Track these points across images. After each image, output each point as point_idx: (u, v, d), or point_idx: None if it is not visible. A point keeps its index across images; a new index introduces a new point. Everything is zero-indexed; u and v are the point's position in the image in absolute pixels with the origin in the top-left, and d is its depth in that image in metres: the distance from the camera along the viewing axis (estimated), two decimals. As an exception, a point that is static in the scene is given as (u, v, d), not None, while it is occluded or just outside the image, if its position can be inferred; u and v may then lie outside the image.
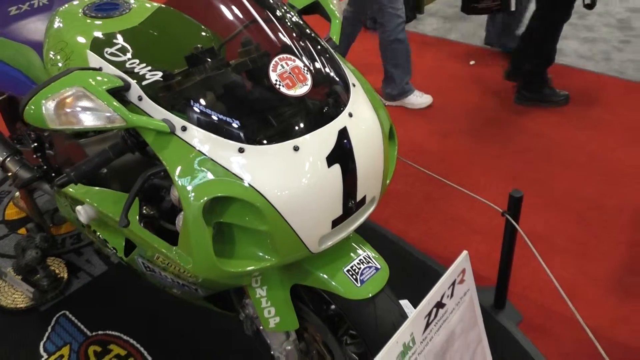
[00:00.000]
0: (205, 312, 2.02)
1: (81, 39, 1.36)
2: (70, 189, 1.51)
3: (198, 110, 1.11)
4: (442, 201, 2.53)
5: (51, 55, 1.43)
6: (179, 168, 1.10)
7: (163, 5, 1.38)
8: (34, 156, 2.04)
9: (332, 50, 1.31)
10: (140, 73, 1.15)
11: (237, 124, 1.10)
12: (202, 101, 1.12)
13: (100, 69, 1.17)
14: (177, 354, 1.93)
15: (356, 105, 1.22)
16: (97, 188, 1.42)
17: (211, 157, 1.09)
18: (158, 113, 1.12)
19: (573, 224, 2.34)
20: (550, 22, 2.91)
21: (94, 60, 1.21)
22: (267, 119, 1.11)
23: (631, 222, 2.35)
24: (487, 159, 2.77)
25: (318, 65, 1.21)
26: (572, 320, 1.97)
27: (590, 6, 2.79)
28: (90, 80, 1.07)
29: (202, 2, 1.31)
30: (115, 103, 1.06)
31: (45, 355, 1.96)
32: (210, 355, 1.92)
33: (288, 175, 1.10)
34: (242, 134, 1.10)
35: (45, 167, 2.03)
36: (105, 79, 1.10)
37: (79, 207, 1.42)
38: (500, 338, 1.89)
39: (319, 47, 1.26)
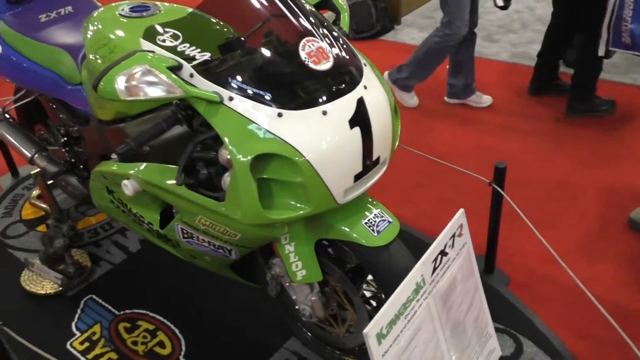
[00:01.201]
0: (226, 286, 2.23)
1: (122, 34, 1.58)
2: (114, 167, 1.71)
3: (242, 83, 1.33)
4: (431, 186, 2.78)
5: (94, 50, 1.64)
6: (228, 131, 1.31)
7: (193, 10, 1.60)
8: (63, 150, 2.22)
9: (344, 37, 1.55)
10: (191, 55, 1.37)
11: (275, 93, 1.33)
12: (245, 76, 1.35)
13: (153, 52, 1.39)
14: (203, 326, 2.11)
15: (369, 80, 1.46)
16: (142, 162, 1.62)
17: (255, 121, 1.31)
18: (207, 87, 1.34)
19: (543, 200, 2.61)
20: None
21: (147, 46, 1.42)
22: (299, 88, 1.34)
23: (594, 197, 2.62)
24: (467, 147, 3.04)
25: (336, 46, 1.44)
26: (553, 278, 2.23)
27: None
28: (152, 59, 1.29)
29: (232, 7, 1.52)
30: (174, 77, 1.27)
31: (78, 333, 2.12)
32: (232, 325, 2.11)
33: (319, 135, 1.32)
34: (279, 102, 1.32)
35: (73, 160, 2.22)
36: (163, 59, 1.31)
37: (125, 181, 1.62)
38: (491, 297, 2.11)
39: (334, 33, 1.50)
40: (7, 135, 2.33)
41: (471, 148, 3.07)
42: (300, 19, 1.44)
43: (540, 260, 2.31)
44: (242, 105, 1.32)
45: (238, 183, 1.33)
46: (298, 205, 1.39)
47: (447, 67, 3.47)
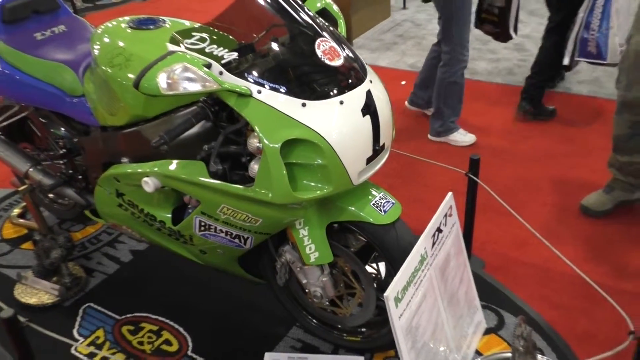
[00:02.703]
0: (224, 285, 2.34)
1: (137, 44, 1.72)
2: (130, 168, 1.82)
3: (268, 78, 1.50)
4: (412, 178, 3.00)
5: (108, 60, 1.76)
6: (259, 121, 1.47)
7: (200, 24, 1.75)
8: (60, 163, 2.29)
9: (346, 40, 1.75)
10: (219, 55, 1.53)
11: (298, 86, 1.51)
12: (271, 71, 1.52)
13: None
14: (206, 323, 2.21)
15: (372, 76, 1.66)
16: (162, 160, 1.73)
17: (282, 110, 1.48)
18: (236, 82, 1.49)
19: (506, 193, 2.89)
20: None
21: (174, 49, 1.56)
22: (320, 81, 1.53)
23: (550, 189, 2.93)
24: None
25: (343, 47, 1.64)
26: (522, 260, 2.48)
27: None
28: (189, 57, 1.44)
29: (248, 15, 1.69)
30: (210, 72, 1.43)
31: (81, 339, 2.16)
32: (235, 320, 2.21)
33: (338, 122, 1.51)
34: (303, 93, 1.50)
35: (70, 172, 2.28)
36: (195, 58, 1.46)
37: (146, 179, 1.72)
38: (471, 279, 2.34)
39: (339, 36, 1.69)
40: (0, 152, 2.36)
41: (436, 150, 3.34)
42: (312, 23, 1.63)
43: (509, 246, 2.56)
44: (269, 97, 1.49)
45: (269, 167, 1.48)
46: (320, 185, 1.55)
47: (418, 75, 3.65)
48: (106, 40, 1.82)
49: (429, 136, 3.50)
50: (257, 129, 1.47)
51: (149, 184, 1.72)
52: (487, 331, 2.09)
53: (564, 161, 3.17)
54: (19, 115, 2.36)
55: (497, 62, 4.52)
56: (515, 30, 3.42)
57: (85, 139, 2.12)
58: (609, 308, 2.18)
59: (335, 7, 1.87)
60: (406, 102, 3.78)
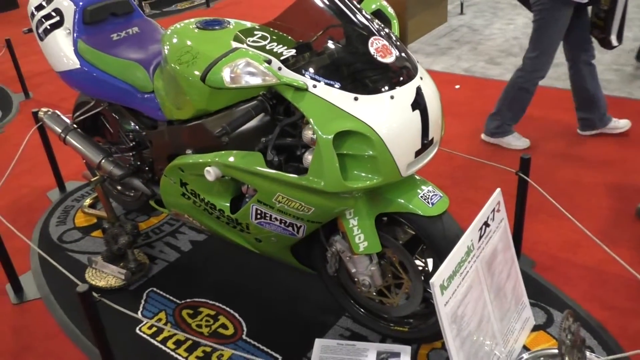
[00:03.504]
0: (277, 275, 2.45)
1: (203, 42, 1.86)
2: (192, 160, 1.96)
3: (323, 73, 1.60)
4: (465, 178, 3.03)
5: (177, 58, 1.91)
6: (314, 113, 1.57)
7: (260, 24, 1.87)
8: (130, 155, 2.47)
9: (399, 40, 1.82)
10: (279, 51, 1.64)
11: (351, 81, 1.59)
12: (326, 67, 1.61)
13: None
14: (260, 310, 2.32)
15: (423, 73, 1.73)
16: (222, 151, 1.86)
17: (336, 104, 1.57)
18: (294, 77, 1.60)
19: (558, 196, 2.87)
20: None
21: (237, 46, 1.69)
22: (372, 77, 1.61)
23: (604, 194, 2.89)
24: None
25: (396, 45, 1.72)
26: (574, 261, 2.46)
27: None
28: (251, 54, 1.55)
29: (306, 16, 1.79)
30: (270, 67, 1.54)
31: (145, 320, 2.31)
32: (286, 308, 2.31)
33: (388, 115, 1.58)
34: (355, 88, 1.59)
35: (139, 163, 2.46)
36: (256, 54, 1.58)
37: (208, 168, 1.85)
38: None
39: (392, 35, 1.77)
40: (77, 144, 2.56)
41: (488, 155, 3.35)
42: (366, 22, 1.71)
43: (560, 247, 2.55)
44: (324, 91, 1.58)
45: (322, 157, 1.57)
46: (369, 176, 1.63)
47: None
48: (175, 39, 1.98)
49: (483, 136, 3.49)
50: (311, 120, 1.57)
51: (211, 173, 1.85)
52: (536, 328, 2.11)
53: (621, 167, 3.12)
54: (94, 110, 2.55)
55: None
56: (620, 38, 3.19)
57: (153, 132, 2.28)
58: (663, 311, 2.16)
59: (390, 9, 1.95)
60: (482, 135, 3.51)
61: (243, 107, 1.77)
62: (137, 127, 2.42)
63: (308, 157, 1.66)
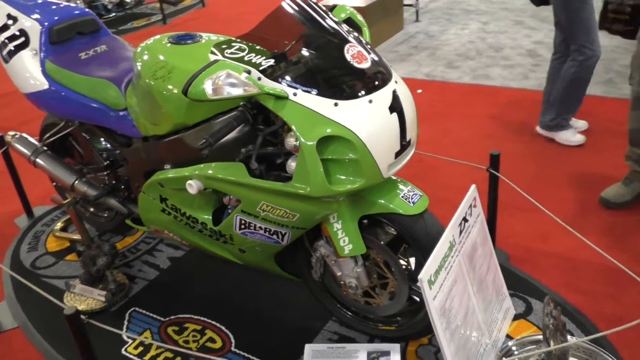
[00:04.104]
0: (260, 285, 2.46)
1: (177, 57, 1.88)
2: (173, 175, 1.96)
3: (302, 81, 1.64)
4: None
5: (151, 73, 1.92)
6: (296, 121, 1.60)
7: (233, 37, 1.90)
8: (104, 174, 2.44)
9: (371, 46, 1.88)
10: (257, 62, 1.67)
11: (330, 87, 1.64)
12: (304, 75, 1.65)
13: None
14: (246, 321, 2.32)
15: (397, 77, 1.79)
16: (203, 164, 1.87)
17: (317, 110, 1.61)
18: (274, 86, 1.63)
19: (525, 189, 2.98)
20: None
21: (212, 59, 1.71)
22: (350, 82, 1.66)
23: (570, 186, 3.01)
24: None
25: (370, 51, 1.77)
26: (545, 251, 2.56)
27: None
28: (231, 65, 1.58)
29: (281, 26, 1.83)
30: (251, 77, 1.57)
31: (130, 341, 2.28)
32: (273, 317, 2.32)
33: (368, 119, 1.63)
34: (334, 94, 1.63)
35: (114, 182, 2.43)
36: (236, 66, 1.61)
37: (190, 182, 1.86)
38: (497, 271, 2.43)
39: (365, 41, 1.83)
40: (48, 166, 2.52)
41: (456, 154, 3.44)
42: (340, 30, 1.76)
43: (532, 239, 2.65)
44: (304, 98, 1.62)
45: (307, 162, 1.60)
46: (352, 179, 1.67)
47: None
48: (148, 55, 1.98)
49: (538, 129, 3.48)
50: (294, 128, 1.60)
51: (193, 186, 1.86)
52: (517, 317, 2.18)
53: (581, 159, 3.26)
54: (65, 130, 2.52)
55: (511, 68, 4.63)
56: None
57: (128, 150, 2.27)
58: (636, 293, 2.27)
59: (359, 16, 2.01)
60: (537, 128, 3.56)
61: (224, 119, 1.79)
62: (110, 145, 2.40)
63: (292, 164, 1.69)
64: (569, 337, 1.97)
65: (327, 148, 1.64)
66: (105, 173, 2.44)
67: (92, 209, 2.88)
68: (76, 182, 2.47)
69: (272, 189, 1.72)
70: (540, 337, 2.05)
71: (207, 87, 1.55)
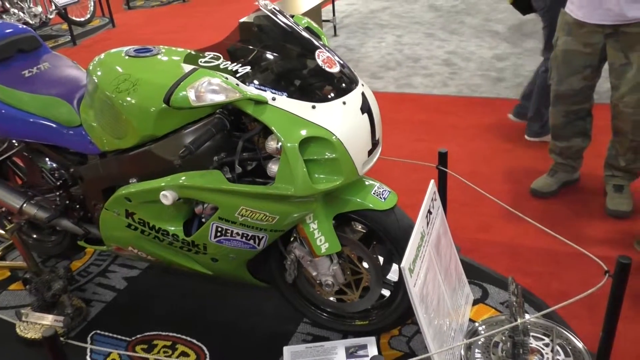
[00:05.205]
0: (225, 296, 2.46)
1: (140, 70, 1.89)
2: (145, 187, 1.94)
3: (280, 86, 1.70)
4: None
5: (113, 87, 1.91)
6: (277, 124, 1.66)
7: (191, 51, 1.94)
8: (56, 194, 2.35)
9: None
10: (233, 69, 1.71)
11: (307, 91, 1.71)
12: (281, 80, 1.72)
13: None
14: (217, 332, 2.31)
15: (363, 81, 1.90)
16: (176, 174, 1.87)
17: (295, 113, 1.67)
18: (254, 91, 1.68)
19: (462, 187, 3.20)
20: None
21: (189, 69, 1.73)
22: (324, 86, 1.74)
23: (501, 180, 3.27)
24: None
25: (336, 57, 1.87)
26: (490, 241, 2.76)
27: None
28: (211, 73, 1.61)
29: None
30: (233, 83, 1.61)
31: (96, 364, 2.20)
32: (244, 325, 2.33)
33: (344, 119, 1.72)
34: (311, 97, 1.71)
35: (67, 202, 2.35)
36: (216, 73, 1.64)
37: (164, 192, 1.85)
38: (450, 262, 2.59)
39: (329, 48, 1.92)
40: (-8, 191, 2.39)
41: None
42: (309, 37, 1.85)
43: (475, 231, 2.85)
44: (283, 103, 1.68)
45: (290, 164, 1.66)
46: (332, 177, 1.75)
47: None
48: (107, 69, 1.97)
49: (527, 137, 3.66)
50: (276, 131, 1.66)
51: (168, 197, 1.85)
52: (475, 302, 2.34)
53: (508, 156, 3.53)
54: (8, 152, 2.39)
55: (431, 76, 4.92)
56: None
57: (84, 167, 2.20)
58: (575, 270, 2.50)
59: (314, 25, 2.10)
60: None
61: (201, 126, 1.81)
62: (61, 164, 2.32)
63: (272, 167, 1.74)
64: (526, 315, 2.15)
65: (306, 149, 1.71)
66: (56, 194, 2.35)
67: (35, 235, 2.74)
68: (25, 205, 2.36)
69: (254, 192, 1.75)
70: (501, 317, 2.23)
71: (191, 94, 1.58)
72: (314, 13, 5.46)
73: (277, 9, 1.90)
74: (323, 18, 6.08)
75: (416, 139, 3.85)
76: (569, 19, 2.71)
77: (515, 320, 1.90)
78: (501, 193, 3.13)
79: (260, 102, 1.67)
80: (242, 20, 4.68)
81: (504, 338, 2.02)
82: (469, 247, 2.73)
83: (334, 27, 6.37)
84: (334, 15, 6.45)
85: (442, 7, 7.00)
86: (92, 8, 7.71)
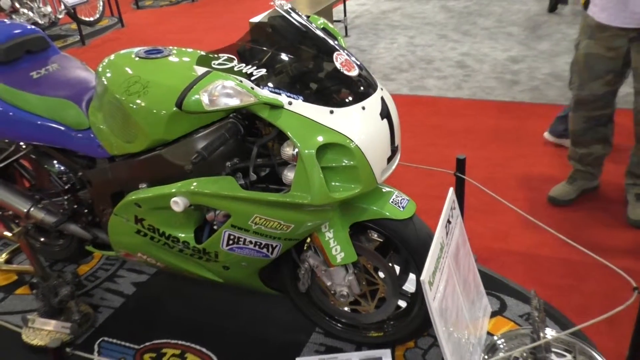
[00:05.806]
0: (235, 303, 2.40)
1: (151, 71, 1.83)
2: (155, 193, 1.88)
3: (297, 90, 1.64)
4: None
5: (123, 89, 1.85)
6: (293, 130, 1.59)
7: (204, 52, 1.87)
8: (64, 198, 2.30)
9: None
10: (248, 72, 1.65)
11: (325, 95, 1.65)
12: (298, 84, 1.65)
13: None
14: (228, 340, 2.25)
15: (382, 85, 1.83)
16: (189, 180, 1.81)
17: (312, 118, 1.61)
18: (269, 95, 1.61)
19: (477, 194, 3.12)
20: None
21: (201, 71, 1.67)
22: (342, 90, 1.67)
23: (518, 187, 3.19)
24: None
25: (355, 59, 1.80)
26: (508, 250, 2.68)
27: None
28: (225, 76, 1.55)
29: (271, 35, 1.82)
30: (247, 87, 1.54)
31: (104, 373, 2.15)
32: (255, 334, 2.27)
33: (363, 125, 1.65)
34: (329, 102, 1.64)
35: (75, 206, 2.30)
36: (229, 76, 1.58)
37: (175, 199, 1.79)
38: (467, 271, 2.51)
39: (347, 50, 1.86)
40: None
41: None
42: (327, 39, 1.78)
43: (493, 239, 2.77)
44: (300, 107, 1.62)
45: (307, 171, 1.60)
46: (350, 185, 1.68)
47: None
48: (117, 71, 1.91)
49: (546, 135, 3.55)
50: (292, 137, 1.59)
51: (179, 204, 1.79)
52: (493, 314, 2.26)
53: (524, 162, 3.45)
54: (15, 155, 2.34)
55: (445, 78, 4.84)
56: None
57: (92, 171, 2.15)
58: (595, 282, 2.42)
59: (331, 25, 2.03)
60: (545, 134, 3.62)
61: (214, 130, 1.75)
62: (69, 168, 2.26)
63: (288, 174, 1.67)
64: (547, 330, 2.07)
65: (324, 156, 1.64)
66: (64, 198, 2.30)
67: (42, 238, 2.69)
68: (32, 209, 2.31)
69: (269, 200, 1.69)
70: (521, 331, 2.15)
71: (204, 98, 1.52)
72: (326, 13, 5.39)
73: (293, 8, 1.84)
74: (334, 18, 6.02)
75: (429, 143, 3.77)
76: (591, 21, 2.63)
77: (539, 337, 1.83)
78: (518, 200, 3.05)
79: (275, 107, 1.61)
80: (252, 20, 4.63)
81: (524, 354, 1.94)
82: (486, 256, 2.65)
83: (345, 27, 6.31)
84: (345, 15, 6.37)
85: (454, 8, 6.92)
86: (101, 8, 7.68)
